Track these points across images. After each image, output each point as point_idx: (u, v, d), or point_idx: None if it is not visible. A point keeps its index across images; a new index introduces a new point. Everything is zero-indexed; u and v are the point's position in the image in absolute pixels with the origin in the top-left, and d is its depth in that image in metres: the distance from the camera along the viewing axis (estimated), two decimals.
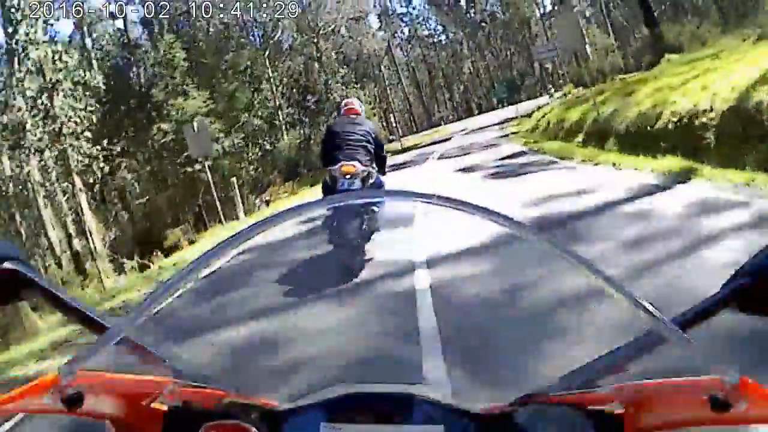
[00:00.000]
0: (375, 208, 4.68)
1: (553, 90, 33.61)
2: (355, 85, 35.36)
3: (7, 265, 0.61)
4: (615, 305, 0.54)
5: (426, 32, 59.65)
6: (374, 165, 4.91)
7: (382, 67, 53.31)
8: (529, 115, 20.65)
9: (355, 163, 4.70)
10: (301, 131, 30.22)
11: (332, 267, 5.03)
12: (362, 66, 48.99)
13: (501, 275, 4.12)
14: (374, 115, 35.41)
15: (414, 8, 60.28)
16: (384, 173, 5.15)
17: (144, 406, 0.66)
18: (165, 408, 0.66)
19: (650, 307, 0.55)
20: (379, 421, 0.69)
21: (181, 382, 0.67)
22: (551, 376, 0.67)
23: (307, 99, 31.40)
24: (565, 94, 20.54)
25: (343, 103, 5.41)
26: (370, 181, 4.82)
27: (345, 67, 38.09)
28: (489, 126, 26.64)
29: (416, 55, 59.91)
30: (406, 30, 59.10)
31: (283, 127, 28.17)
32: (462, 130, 30.17)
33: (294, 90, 32.35)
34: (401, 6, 61.17)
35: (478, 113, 50.34)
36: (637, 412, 0.63)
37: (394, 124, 44.93)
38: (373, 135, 4.95)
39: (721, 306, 0.60)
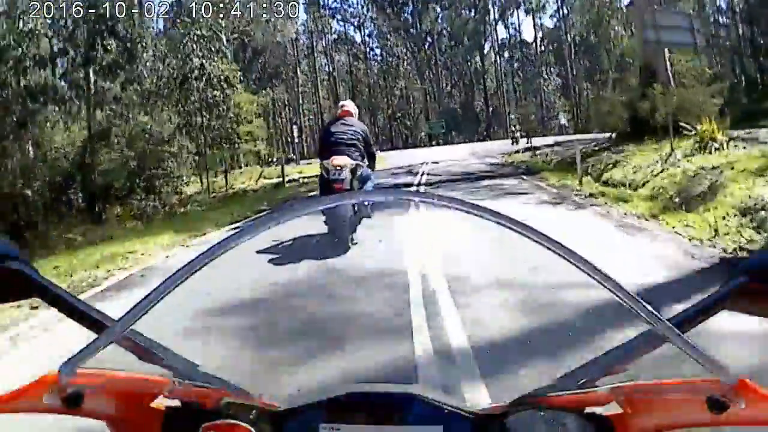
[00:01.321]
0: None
1: (520, 134, 28.68)
2: (254, 84, 28.09)
3: (7, 264, 0.61)
4: (614, 305, 0.57)
5: (359, 38, 48.03)
6: (364, 160, 5.72)
7: (299, 70, 44.86)
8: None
9: (345, 157, 5.49)
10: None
11: (326, 248, 5.62)
12: (275, 63, 42.07)
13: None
14: (271, 125, 29.38)
15: (350, 5, 48.83)
16: (373, 168, 5.97)
17: (143, 406, 0.67)
18: (164, 407, 0.67)
19: (649, 307, 0.56)
20: (378, 422, 0.70)
21: (181, 382, 0.67)
22: (549, 376, 0.69)
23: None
24: (702, 145, 10.09)
25: (339, 105, 6.43)
26: (359, 172, 5.58)
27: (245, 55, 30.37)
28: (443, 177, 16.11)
29: (341, 63, 49.93)
30: (335, 28, 47.21)
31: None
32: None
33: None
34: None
35: (402, 147, 42.98)
36: (635, 413, 0.63)
37: (295, 140, 34.62)
38: (363, 135, 5.80)
39: (719, 306, 0.61)
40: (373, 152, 5.96)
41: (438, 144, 40.02)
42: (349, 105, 6.18)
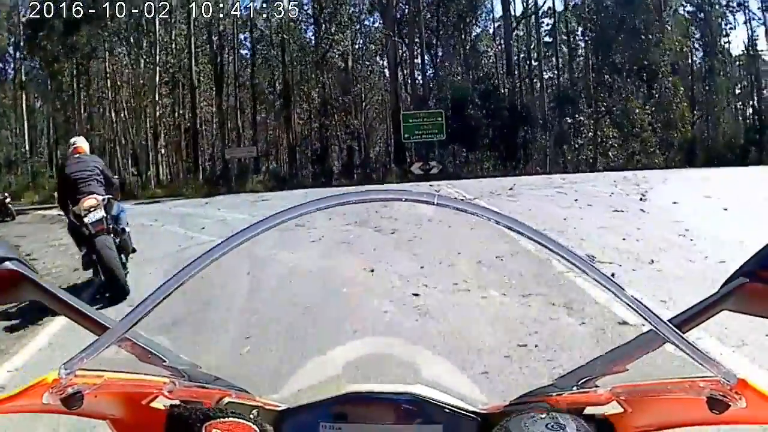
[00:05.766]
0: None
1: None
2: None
3: (6, 265, 0.63)
4: (614, 306, 0.58)
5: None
6: (110, 193, 5.71)
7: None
8: None
9: (93, 197, 5.35)
10: None
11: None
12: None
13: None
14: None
15: None
16: (118, 199, 6.02)
17: (144, 406, 0.69)
18: (164, 407, 0.69)
19: (649, 308, 0.58)
20: (378, 421, 0.71)
21: (181, 382, 0.69)
22: (549, 376, 0.71)
23: None
24: None
25: (70, 143, 6.14)
26: (111, 208, 5.58)
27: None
28: None
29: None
30: None
31: None
32: None
33: None
34: None
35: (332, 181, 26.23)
36: (635, 413, 0.65)
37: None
38: (101, 168, 5.78)
39: (719, 306, 0.62)
40: (114, 182, 6.01)
41: (426, 174, 19.07)
42: (81, 141, 6.14)
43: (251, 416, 0.69)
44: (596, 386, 0.66)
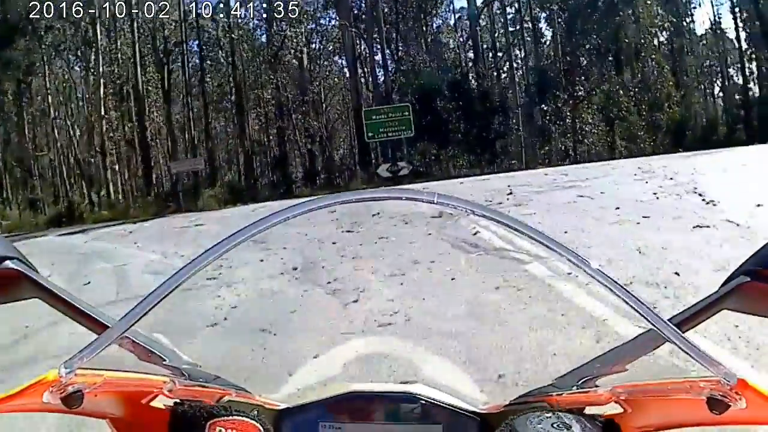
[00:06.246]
0: None
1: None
2: None
3: (7, 264, 0.63)
4: (614, 305, 0.60)
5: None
6: None
7: None
8: None
9: None
10: None
11: None
12: None
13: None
14: None
15: None
16: None
17: (144, 405, 0.69)
18: (164, 406, 0.70)
19: (649, 307, 0.58)
20: (377, 420, 0.72)
21: (181, 381, 0.69)
22: (549, 375, 0.70)
23: None
24: None
25: None
26: None
27: None
28: None
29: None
30: None
31: None
32: None
33: None
34: None
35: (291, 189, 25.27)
36: (635, 413, 0.65)
37: None
38: None
39: (719, 306, 0.62)
40: None
41: (395, 176, 16.98)
42: None
43: (253, 415, 0.70)
44: (596, 386, 0.67)
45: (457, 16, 29.76)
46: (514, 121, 25.30)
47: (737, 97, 28.75)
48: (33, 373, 0.58)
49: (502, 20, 29.17)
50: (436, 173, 22.00)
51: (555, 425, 0.64)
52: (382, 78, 27.07)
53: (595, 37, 25.33)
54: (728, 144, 21.45)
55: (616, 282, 0.57)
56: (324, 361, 3.10)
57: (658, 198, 9.40)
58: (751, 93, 28.16)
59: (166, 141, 28.54)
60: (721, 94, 30.13)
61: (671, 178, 11.81)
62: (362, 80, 28.06)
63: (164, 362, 0.69)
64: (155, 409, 0.69)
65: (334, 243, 7.68)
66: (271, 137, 28.00)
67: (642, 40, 25.66)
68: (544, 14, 28.11)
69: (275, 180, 26.25)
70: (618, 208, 8.54)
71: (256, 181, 26.56)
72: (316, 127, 26.76)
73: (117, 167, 26.91)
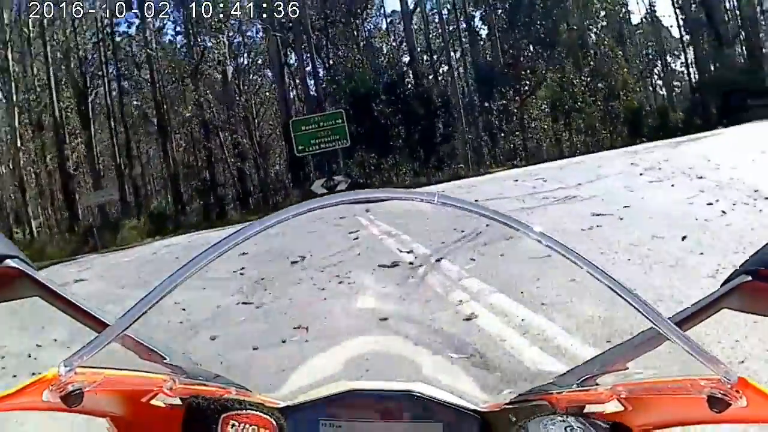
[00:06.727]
0: None
1: None
2: None
3: (8, 262, 0.63)
4: (614, 303, 0.63)
5: None
6: None
7: None
8: None
9: None
10: None
11: None
12: None
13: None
14: None
15: None
16: None
17: (144, 403, 0.69)
18: (164, 404, 0.70)
19: (650, 306, 0.58)
20: (378, 419, 0.71)
21: (181, 379, 0.69)
22: (550, 374, 0.72)
23: None
24: None
25: None
26: None
27: None
28: None
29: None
30: None
31: None
32: None
33: None
34: None
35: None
36: (636, 411, 0.65)
37: None
38: None
39: (720, 305, 0.62)
40: None
41: (332, 192, 14.45)
42: None
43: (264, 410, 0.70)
44: (597, 384, 0.67)
45: (389, 20, 28.57)
46: (459, 122, 23.66)
47: (675, 83, 28.76)
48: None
49: (437, 20, 27.97)
50: (378, 185, 20.04)
51: (549, 422, 0.64)
52: (314, 86, 25.14)
53: (538, 27, 24.13)
54: (685, 131, 20.68)
55: (617, 281, 0.57)
56: (324, 360, 3.20)
57: (725, 213, 6.18)
58: (689, 79, 28.20)
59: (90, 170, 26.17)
60: (659, 82, 30.04)
61: (701, 177, 8.73)
62: (294, 91, 26.26)
63: (164, 360, 0.69)
64: (155, 408, 0.68)
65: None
66: (199, 158, 25.78)
67: (589, 27, 24.77)
68: (479, 11, 27.14)
69: (206, 204, 23.98)
70: (685, 237, 5.36)
71: (185, 207, 24.16)
72: (247, 145, 24.66)
73: (39, 202, 24.52)
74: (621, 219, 6.83)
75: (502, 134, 23.38)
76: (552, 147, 23.29)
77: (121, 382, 0.65)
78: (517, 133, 23.26)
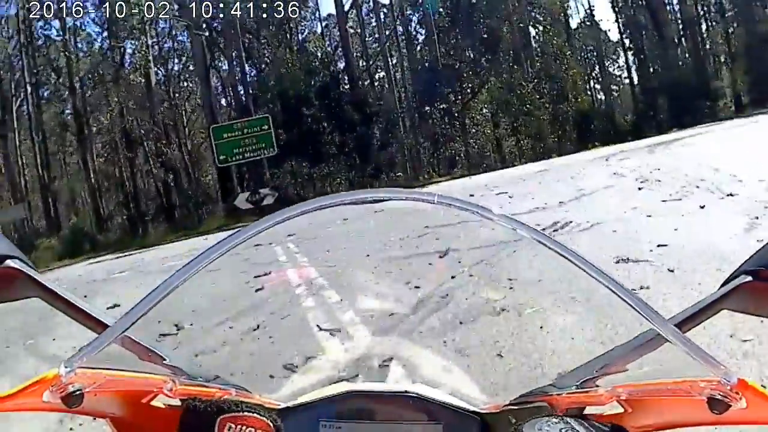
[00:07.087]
0: None
1: None
2: None
3: (8, 263, 0.63)
4: (614, 305, 0.66)
5: None
6: None
7: None
8: None
9: None
10: None
11: None
12: None
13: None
14: None
15: None
16: None
17: (144, 404, 0.69)
18: (164, 405, 0.70)
19: (649, 307, 0.58)
20: (377, 420, 0.72)
21: (181, 380, 0.70)
22: (550, 375, 0.83)
23: None
24: None
25: None
26: None
27: None
28: None
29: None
30: None
31: None
32: None
33: None
34: None
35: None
36: (635, 413, 0.65)
37: None
38: None
39: (719, 306, 0.62)
40: None
41: (258, 207, 13.86)
42: None
43: (261, 411, 0.72)
44: (596, 386, 0.67)
45: (324, 24, 27.56)
46: (397, 128, 22.67)
47: (613, 87, 28.88)
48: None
49: (374, 23, 27.12)
50: (311, 196, 18.25)
51: (549, 424, 0.64)
52: (242, 91, 23.59)
53: (480, 27, 23.41)
54: (636, 135, 20.36)
55: (617, 282, 0.58)
56: (324, 360, 3.14)
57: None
58: (630, 82, 28.35)
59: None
60: (597, 86, 29.99)
61: (731, 195, 6.79)
62: (224, 97, 24.76)
63: (164, 361, 0.69)
64: (155, 408, 0.69)
65: None
66: (122, 170, 23.98)
67: (534, 25, 24.37)
68: (418, 14, 26.47)
69: (128, 219, 22.19)
70: None
71: (105, 223, 22.32)
72: (176, 155, 22.98)
73: None
74: (671, 271, 4.29)
75: (443, 139, 22.42)
76: (496, 152, 22.57)
77: (122, 382, 0.65)
78: (458, 138, 22.38)
